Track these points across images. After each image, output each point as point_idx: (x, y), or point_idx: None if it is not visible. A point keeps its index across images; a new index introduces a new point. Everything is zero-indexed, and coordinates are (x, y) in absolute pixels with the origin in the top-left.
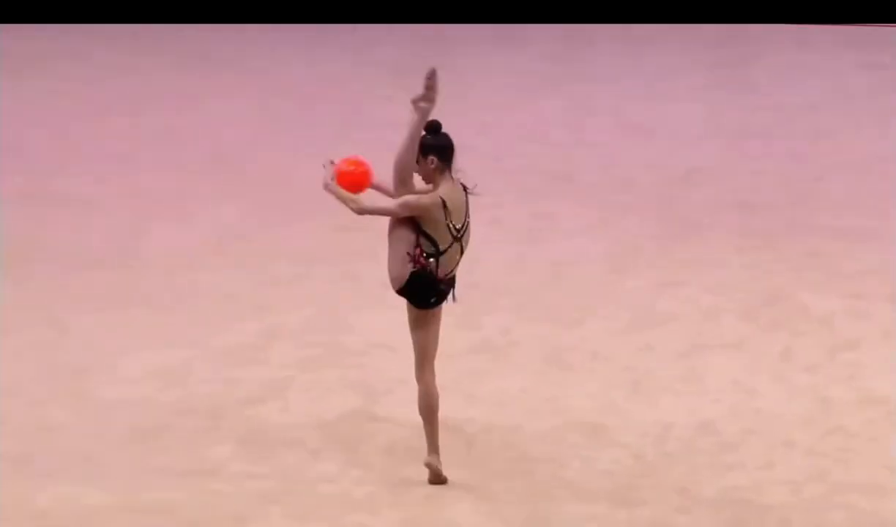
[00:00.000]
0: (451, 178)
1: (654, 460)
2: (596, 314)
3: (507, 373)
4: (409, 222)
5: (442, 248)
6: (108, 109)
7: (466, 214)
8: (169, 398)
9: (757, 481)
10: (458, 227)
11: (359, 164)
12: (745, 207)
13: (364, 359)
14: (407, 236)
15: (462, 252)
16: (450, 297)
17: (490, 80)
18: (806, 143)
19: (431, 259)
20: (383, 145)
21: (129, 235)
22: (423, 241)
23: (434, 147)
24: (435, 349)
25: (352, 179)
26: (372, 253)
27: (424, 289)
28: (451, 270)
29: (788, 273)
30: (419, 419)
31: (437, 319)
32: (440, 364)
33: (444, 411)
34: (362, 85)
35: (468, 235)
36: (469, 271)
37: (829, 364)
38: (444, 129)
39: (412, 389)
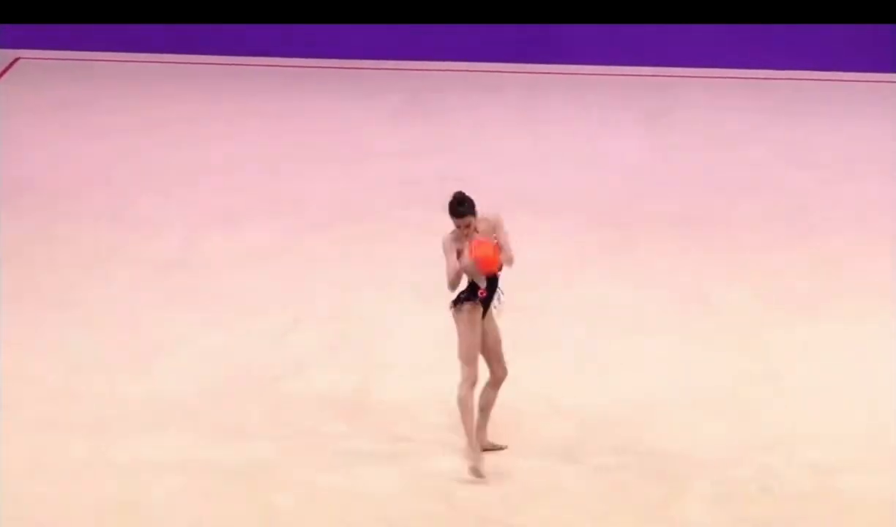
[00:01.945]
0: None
1: (596, 424)
2: (552, 307)
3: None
4: None
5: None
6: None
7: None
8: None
9: (682, 441)
10: None
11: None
12: (675, 220)
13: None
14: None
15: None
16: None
17: (469, 121)
18: (721, 170)
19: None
20: (387, 173)
21: (184, 245)
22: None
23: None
24: (468, 353)
25: (486, 263)
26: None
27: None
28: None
29: (709, 271)
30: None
31: (469, 323)
32: None
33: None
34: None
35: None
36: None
37: (740, 346)
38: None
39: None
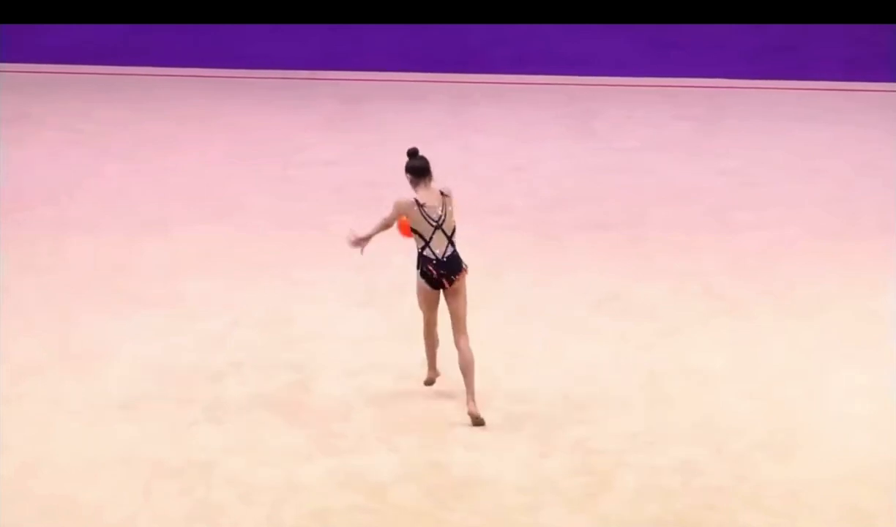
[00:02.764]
0: (427, 186)
1: (523, 420)
2: (479, 306)
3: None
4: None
5: (427, 237)
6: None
7: (443, 210)
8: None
9: (605, 436)
10: (434, 218)
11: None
12: (596, 225)
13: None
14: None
15: (448, 238)
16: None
17: (399, 129)
18: (639, 176)
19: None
20: (319, 178)
21: (128, 252)
22: (415, 236)
23: (409, 168)
24: (459, 320)
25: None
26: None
27: (424, 275)
28: (444, 253)
29: (629, 275)
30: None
31: (456, 294)
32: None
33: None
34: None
35: (449, 225)
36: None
37: (660, 342)
38: (417, 154)
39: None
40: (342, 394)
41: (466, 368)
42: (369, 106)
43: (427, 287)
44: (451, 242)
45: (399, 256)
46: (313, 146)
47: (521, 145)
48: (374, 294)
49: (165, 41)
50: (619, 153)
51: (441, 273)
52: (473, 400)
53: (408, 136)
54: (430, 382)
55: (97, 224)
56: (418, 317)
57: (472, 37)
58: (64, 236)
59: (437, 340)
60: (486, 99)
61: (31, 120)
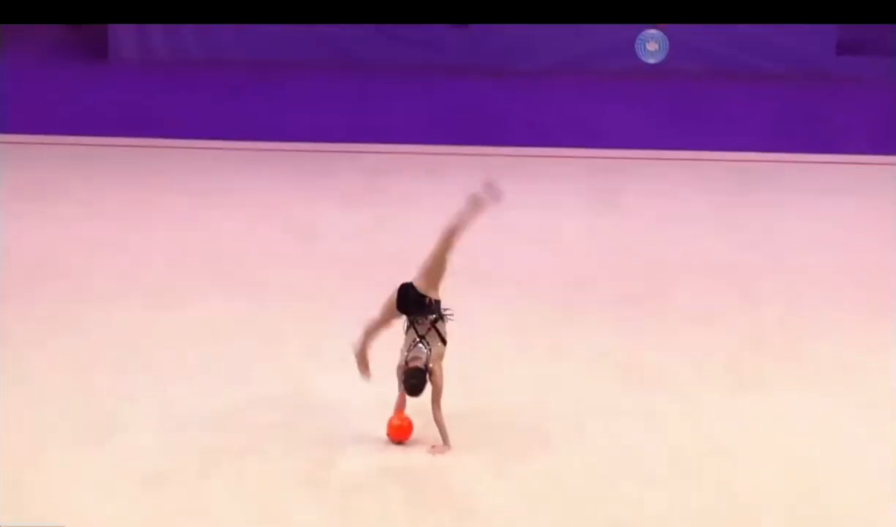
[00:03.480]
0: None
1: (547, 496)
2: (498, 380)
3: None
4: None
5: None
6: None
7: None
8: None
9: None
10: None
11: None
12: (618, 299)
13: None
14: None
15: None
16: None
17: (417, 203)
18: (662, 249)
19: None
20: (339, 252)
21: (146, 325)
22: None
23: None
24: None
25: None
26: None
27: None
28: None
29: (651, 349)
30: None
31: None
32: None
33: None
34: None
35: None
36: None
37: (680, 418)
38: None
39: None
40: (368, 468)
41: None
42: (388, 179)
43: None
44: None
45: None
46: (333, 220)
47: (542, 218)
48: (391, 370)
49: (183, 113)
50: (641, 226)
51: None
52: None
53: (426, 209)
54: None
55: (115, 297)
56: (446, 391)
57: (493, 106)
58: (81, 308)
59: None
60: (507, 171)
61: (49, 192)
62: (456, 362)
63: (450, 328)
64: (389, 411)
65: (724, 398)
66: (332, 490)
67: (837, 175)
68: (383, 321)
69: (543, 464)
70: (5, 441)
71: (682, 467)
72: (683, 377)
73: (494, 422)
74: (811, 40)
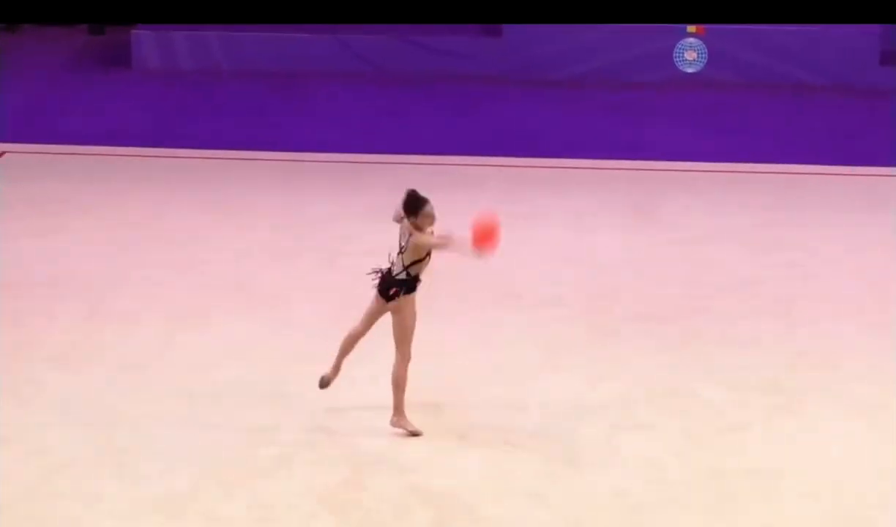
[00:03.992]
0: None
1: (583, 521)
2: (533, 401)
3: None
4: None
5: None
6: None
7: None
8: None
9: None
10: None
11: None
12: (653, 317)
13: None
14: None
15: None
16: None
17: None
18: (699, 267)
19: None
20: (364, 268)
21: (167, 344)
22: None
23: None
24: (395, 340)
25: (484, 238)
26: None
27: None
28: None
29: (687, 369)
30: None
31: (396, 314)
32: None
33: None
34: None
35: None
36: (435, 366)
37: (717, 440)
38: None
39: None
40: (398, 491)
41: (393, 384)
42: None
43: (375, 299)
44: (405, 267)
45: (450, 352)
46: (358, 235)
47: (576, 233)
48: (427, 390)
49: (205, 124)
50: (678, 243)
51: (383, 285)
52: (395, 414)
53: (458, 223)
54: (325, 383)
55: (135, 315)
56: (472, 416)
57: (525, 117)
58: (100, 327)
59: (350, 350)
60: (541, 185)
61: (68, 207)
62: (486, 378)
63: (482, 343)
64: (425, 434)
65: (762, 422)
66: (361, 510)
67: (883, 189)
68: (364, 329)
69: (577, 487)
70: (24, 465)
71: (719, 491)
72: (719, 399)
73: (525, 442)
74: (854, 51)
